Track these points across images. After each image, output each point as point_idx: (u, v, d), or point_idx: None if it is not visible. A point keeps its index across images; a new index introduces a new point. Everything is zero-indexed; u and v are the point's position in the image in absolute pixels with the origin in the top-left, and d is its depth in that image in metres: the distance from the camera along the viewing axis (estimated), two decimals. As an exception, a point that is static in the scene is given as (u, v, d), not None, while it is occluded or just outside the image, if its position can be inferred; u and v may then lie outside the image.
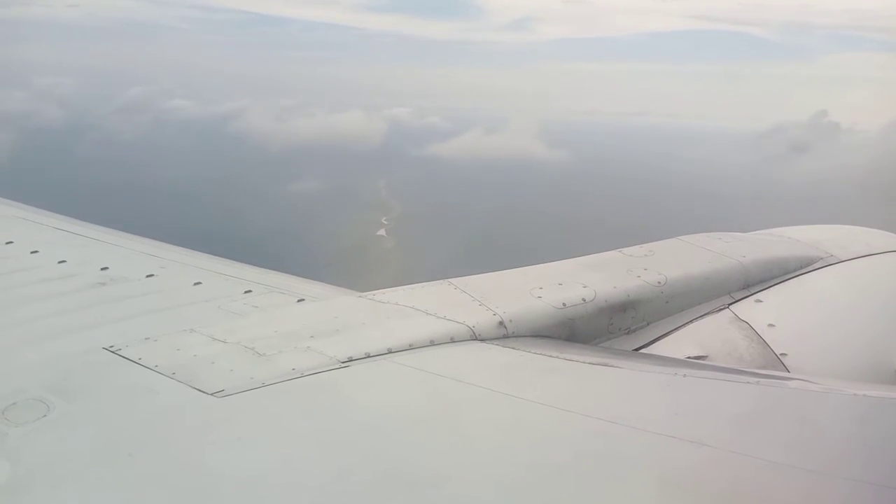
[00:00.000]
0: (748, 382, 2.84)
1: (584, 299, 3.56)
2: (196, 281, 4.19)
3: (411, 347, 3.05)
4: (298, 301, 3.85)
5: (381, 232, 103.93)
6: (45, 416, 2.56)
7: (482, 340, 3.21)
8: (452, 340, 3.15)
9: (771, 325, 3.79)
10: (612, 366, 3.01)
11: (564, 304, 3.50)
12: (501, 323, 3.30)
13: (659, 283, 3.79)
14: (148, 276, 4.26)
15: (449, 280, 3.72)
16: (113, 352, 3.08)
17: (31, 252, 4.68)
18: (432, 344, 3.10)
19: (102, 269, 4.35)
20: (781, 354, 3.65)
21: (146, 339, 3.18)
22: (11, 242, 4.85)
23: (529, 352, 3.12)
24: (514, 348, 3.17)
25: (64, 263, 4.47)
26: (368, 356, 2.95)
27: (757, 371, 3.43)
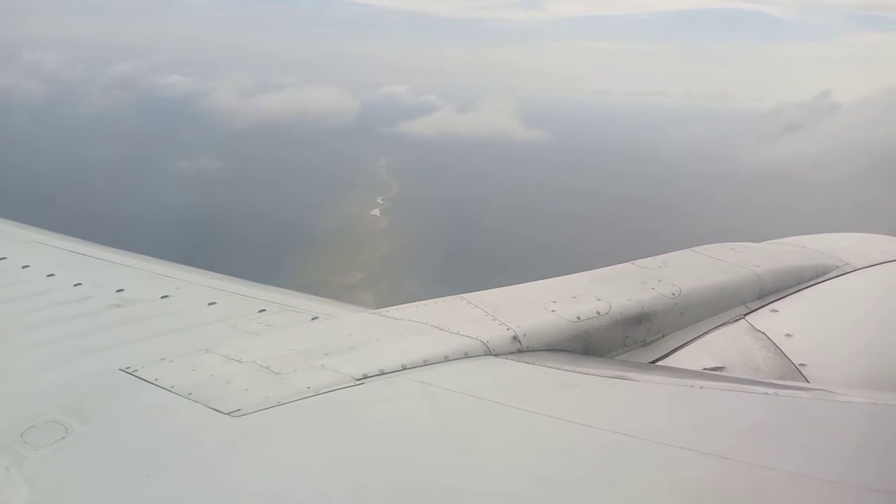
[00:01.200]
0: (766, 393, 2.81)
1: (598, 312, 3.54)
2: (210, 301, 4.22)
3: (425, 363, 3.04)
4: (312, 319, 3.86)
5: (376, 212, 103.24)
6: (63, 438, 2.57)
7: (496, 355, 3.20)
8: (466, 356, 3.14)
9: (788, 335, 3.75)
10: (628, 379, 2.99)
11: (579, 318, 3.48)
12: (515, 337, 3.29)
13: (673, 294, 3.77)
14: (163, 297, 4.29)
15: (462, 295, 3.72)
16: (129, 373, 3.09)
17: (48, 275, 4.73)
18: (446, 360, 3.09)
19: (118, 290, 4.38)
20: (800, 365, 3.61)
21: (162, 359, 3.20)
22: (28, 266, 4.90)
23: (544, 366, 3.10)
24: (528, 363, 3.15)
25: (80, 286, 4.51)
26: (383, 373, 2.95)
27: (775, 382, 3.40)
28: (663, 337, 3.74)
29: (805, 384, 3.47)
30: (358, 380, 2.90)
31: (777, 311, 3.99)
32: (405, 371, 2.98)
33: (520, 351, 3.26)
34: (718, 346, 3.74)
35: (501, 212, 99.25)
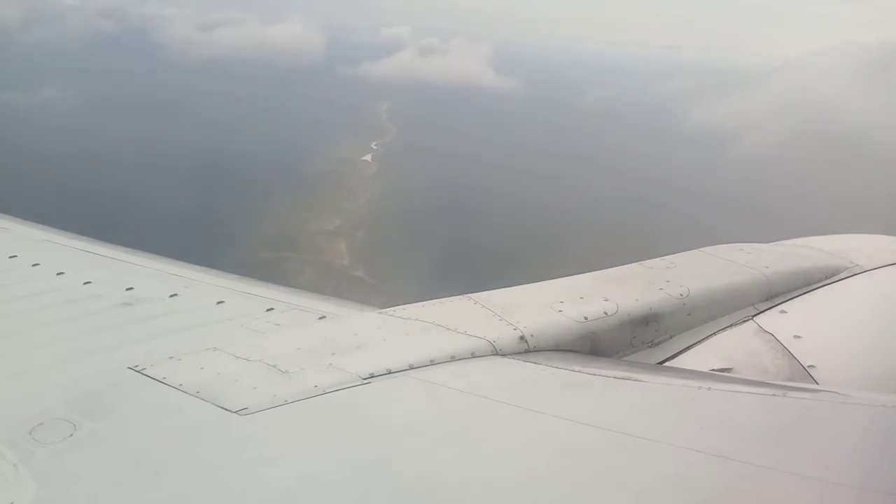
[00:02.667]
0: (775, 395, 2.79)
1: (605, 312, 3.54)
2: (219, 300, 4.23)
3: (432, 363, 3.04)
4: (320, 318, 3.87)
5: (367, 157, 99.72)
6: (71, 435, 2.59)
7: (503, 355, 3.20)
8: (473, 356, 3.14)
9: (797, 337, 3.73)
10: (635, 379, 2.99)
11: (586, 318, 3.48)
12: (523, 338, 3.28)
13: (681, 295, 3.76)
14: (171, 296, 4.31)
15: (469, 295, 3.72)
16: (138, 371, 3.11)
17: (58, 273, 4.76)
18: (453, 359, 3.09)
19: (127, 289, 4.40)
20: (809, 366, 3.59)
21: (170, 358, 3.21)
22: (38, 265, 4.94)
23: (551, 366, 3.10)
24: (535, 363, 3.15)
25: (89, 284, 4.54)
26: (390, 372, 2.96)
27: (784, 383, 3.38)
28: (671, 338, 3.73)
29: (814, 386, 3.45)
30: (365, 379, 2.90)
31: (786, 312, 3.97)
32: (412, 370, 2.99)
33: (527, 351, 3.26)
34: (726, 347, 3.72)
35: (502, 170, 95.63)
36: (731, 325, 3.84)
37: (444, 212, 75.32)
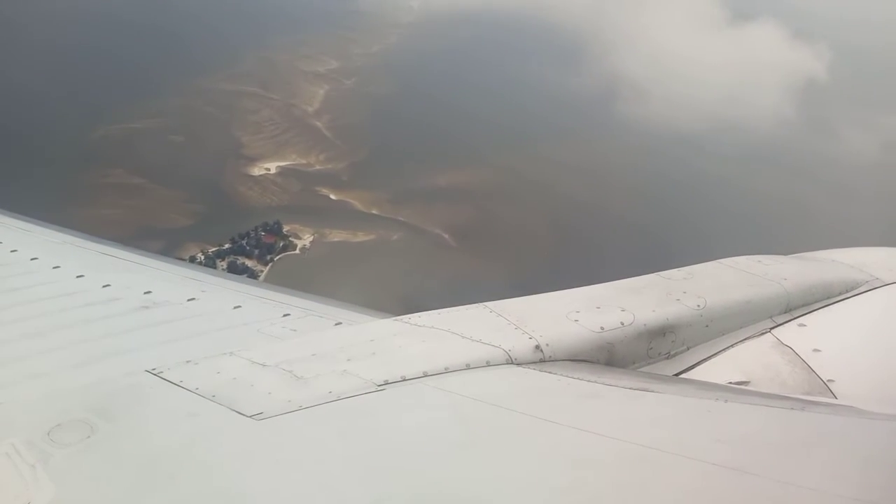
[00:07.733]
0: (793, 409, 2.76)
1: (622, 323, 3.52)
2: (236, 305, 4.26)
3: (447, 371, 3.04)
4: (335, 325, 3.88)
5: (414, 2, 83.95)
6: (88, 437, 2.62)
7: (518, 364, 3.19)
8: (488, 364, 3.14)
9: (816, 350, 3.69)
10: (651, 391, 2.96)
11: (602, 328, 3.46)
12: (538, 347, 3.27)
13: (698, 306, 3.74)
14: (189, 300, 4.35)
15: (485, 304, 3.71)
16: (155, 374, 3.14)
17: (77, 276, 4.82)
18: (468, 367, 3.09)
19: (146, 292, 4.45)
20: (828, 380, 3.54)
21: (187, 362, 3.24)
22: (59, 267, 5.00)
23: (567, 376, 3.09)
24: (550, 373, 3.14)
25: (108, 287, 4.59)
26: (404, 379, 2.96)
27: (802, 397, 3.34)
28: (688, 349, 3.70)
29: (833, 400, 3.41)
30: (379, 386, 2.91)
31: (804, 325, 3.92)
32: (426, 378, 2.99)
33: (542, 360, 3.25)
34: (744, 359, 3.69)
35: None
36: (749, 338, 3.81)
37: (457, 82, 63.96)
